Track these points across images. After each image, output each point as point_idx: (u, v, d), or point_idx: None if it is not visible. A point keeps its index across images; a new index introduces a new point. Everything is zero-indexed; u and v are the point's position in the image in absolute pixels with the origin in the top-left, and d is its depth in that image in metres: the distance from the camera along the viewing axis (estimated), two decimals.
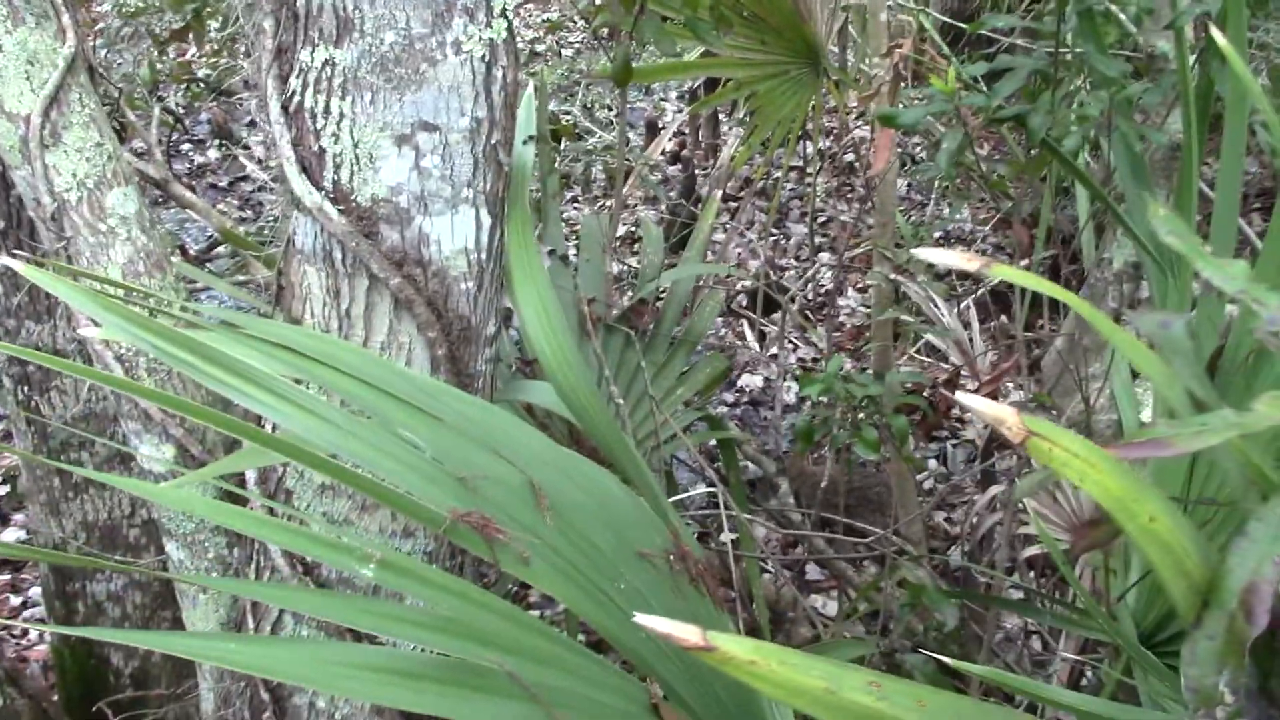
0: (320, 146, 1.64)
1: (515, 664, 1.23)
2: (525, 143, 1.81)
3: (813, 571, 3.89)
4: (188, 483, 1.92)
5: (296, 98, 1.64)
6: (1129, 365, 2.34)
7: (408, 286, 1.69)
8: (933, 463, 4.39)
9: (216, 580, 1.86)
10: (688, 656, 1.51)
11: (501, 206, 1.77)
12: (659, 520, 1.59)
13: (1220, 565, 0.75)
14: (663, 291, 3.22)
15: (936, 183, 5.15)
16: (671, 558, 1.57)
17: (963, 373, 2.64)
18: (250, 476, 1.79)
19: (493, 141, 1.70)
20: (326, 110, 1.62)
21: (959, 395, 0.71)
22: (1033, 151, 2.03)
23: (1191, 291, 1.89)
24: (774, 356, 4.71)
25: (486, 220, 1.74)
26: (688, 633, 0.82)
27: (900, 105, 2.72)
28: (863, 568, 3.33)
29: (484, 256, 1.76)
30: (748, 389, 5.09)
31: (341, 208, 1.66)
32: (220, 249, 5.05)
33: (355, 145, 1.63)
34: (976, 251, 4.58)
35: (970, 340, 3.16)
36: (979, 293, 4.52)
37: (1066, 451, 0.70)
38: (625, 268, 4.96)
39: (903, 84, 2.58)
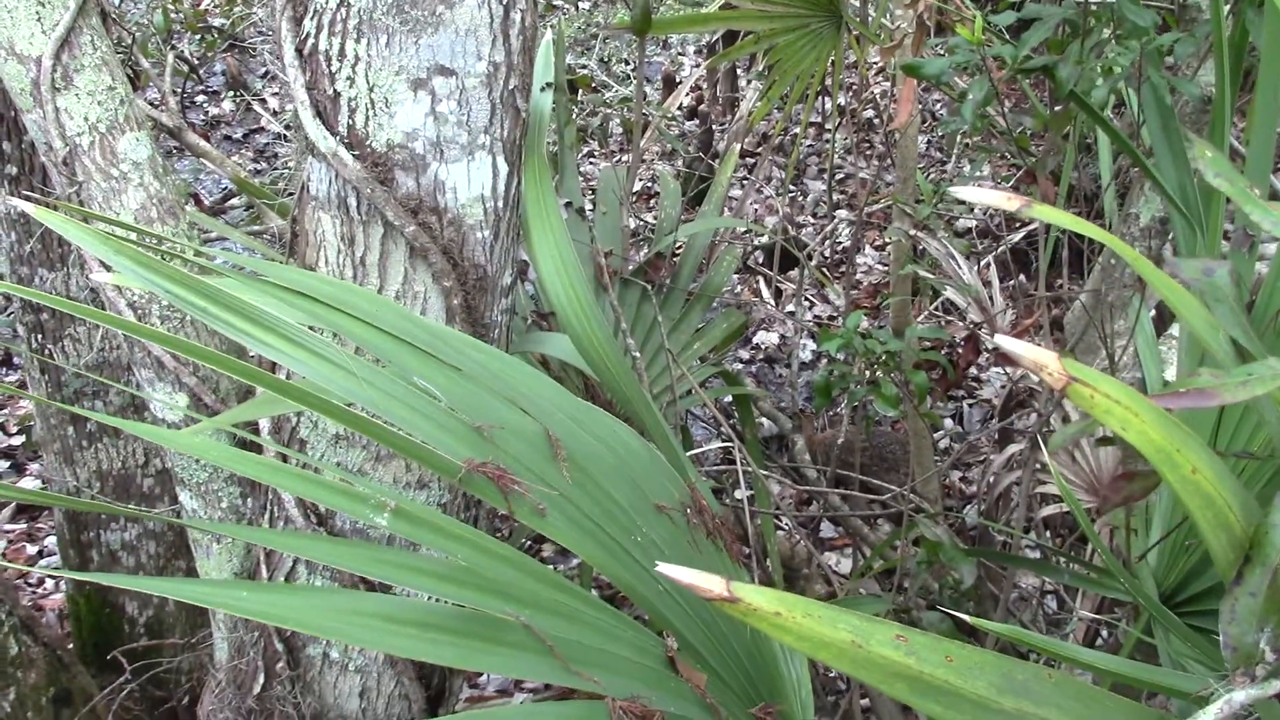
0: (335, 90, 1.61)
1: (531, 616, 1.21)
2: (543, 90, 1.77)
3: (827, 529, 3.87)
4: (201, 430, 1.91)
5: (311, 40, 1.61)
6: (1152, 322, 2.30)
7: (423, 234, 1.67)
8: (949, 422, 4.36)
9: (230, 527, 1.85)
10: (704, 610, 1.50)
11: (519, 154, 1.74)
12: (676, 474, 1.57)
13: (1264, 520, 0.72)
14: (679, 246, 3.19)
15: (958, 139, 5.09)
16: (689, 512, 1.55)
17: (983, 330, 2.60)
18: (264, 426, 1.77)
19: (510, 87, 1.67)
20: (341, 53, 1.59)
21: (998, 338, 0.68)
22: (1057, 106, 1.99)
23: (1220, 247, 1.86)
24: (790, 313, 4.68)
25: (503, 168, 1.71)
26: (711, 583, 0.80)
27: (924, 57, 2.67)
28: (877, 526, 3.32)
29: (500, 205, 1.73)
30: (763, 346, 5.06)
31: (356, 153, 1.63)
32: (235, 201, 5.02)
33: (370, 89, 1.60)
34: (1001, 213, 4.52)
35: (990, 298, 3.13)
36: (999, 250, 4.47)
37: (1108, 399, 0.67)
38: (641, 223, 4.93)
39: (927, 36, 2.52)
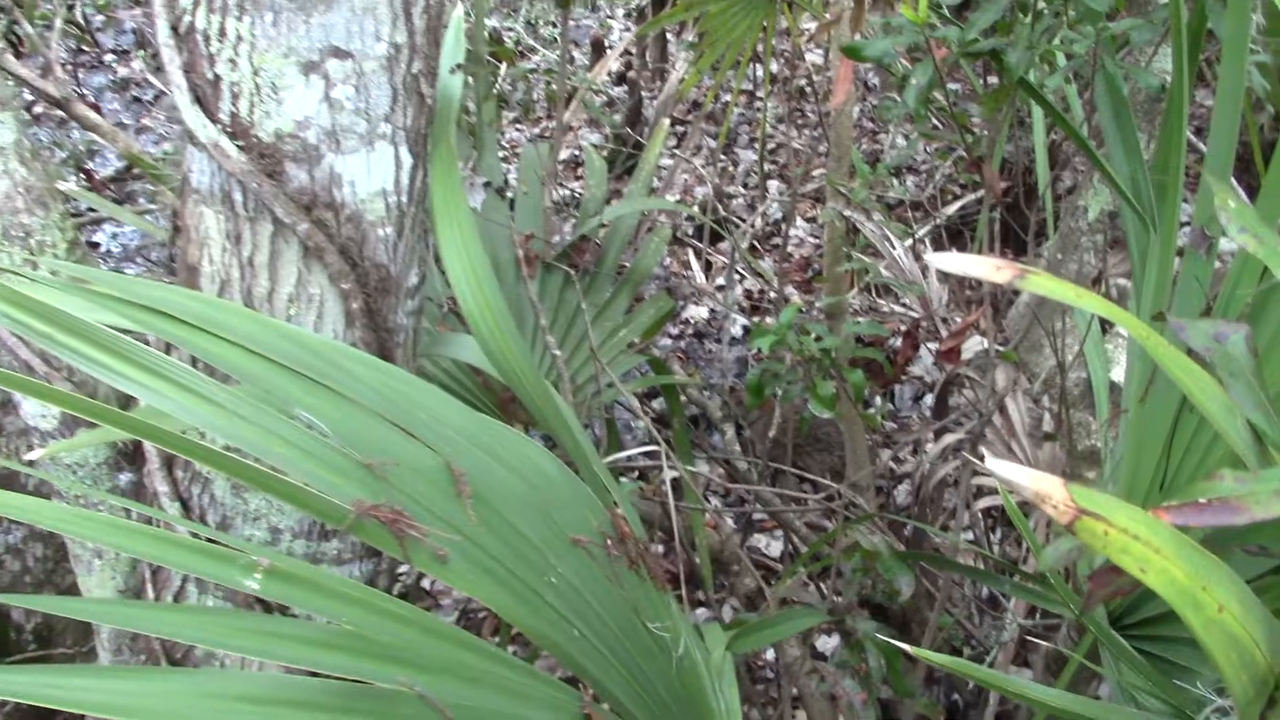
0: (215, 74, 1.44)
1: (429, 683, 1.07)
2: (452, 72, 1.61)
3: (759, 508, 3.77)
4: (74, 447, 1.74)
5: (187, 17, 1.43)
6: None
7: (317, 232, 1.51)
8: (878, 399, 4.27)
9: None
10: (623, 651, 1.37)
11: (424, 144, 1.58)
12: (595, 500, 1.43)
13: None
14: (606, 226, 3.04)
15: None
16: (609, 542, 1.41)
17: (922, 325, 2.50)
18: (153, 457, 1.61)
19: (414, 70, 1.51)
20: (221, 32, 1.41)
21: (992, 464, 0.56)
22: (991, 81, 1.88)
23: (1175, 245, 1.75)
24: (720, 289, 4.55)
25: (407, 159, 1.55)
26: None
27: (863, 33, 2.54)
28: (809, 513, 3.22)
29: (404, 199, 1.57)
30: (693, 321, 4.93)
31: (241, 143, 1.46)
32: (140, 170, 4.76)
33: (255, 73, 1.43)
34: (934, 186, 4.42)
35: (925, 277, 3.02)
36: (933, 226, 4.38)
37: (1125, 535, 0.55)
38: (570, 192, 4.76)
39: (866, 11, 2.39)
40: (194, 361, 1.21)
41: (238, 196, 1.49)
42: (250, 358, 1.13)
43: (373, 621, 1.07)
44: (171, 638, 1.00)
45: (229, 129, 1.46)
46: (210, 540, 1.12)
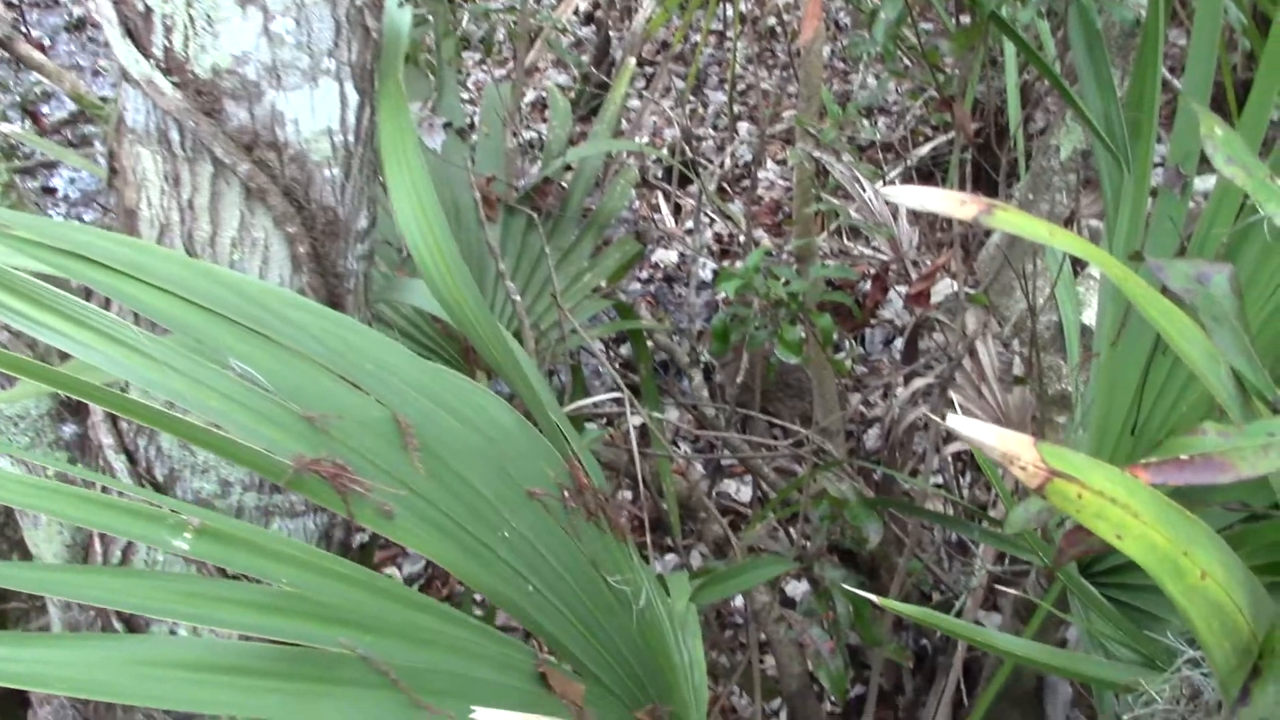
0: (146, 5, 1.36)
1: (373, 644, 1.02)
2: (400, 5, 1.54)
3: (727, 454, 3.73)
4: (14, 399, 1.68)
5: None
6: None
7: (259, 173, 1.44)
8: (848, 343, 4.23)
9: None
10: (581, 607, 1.33)
11: (371, 80, 1.51)
12: (553, 450, 1.38)
13: None
14: (571, 169, 2.97)
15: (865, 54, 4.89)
16: (567, 494, 1.37)
17: (892, 267, 2.45)
18: (98, 411, 1.55)
19: (357, 3, 1.43)
20: None
21: (954, 421, 0.51)
22: (963, 20, 1.82)
23: (1149, 184, 1.71)
24: (689, 232, 4.49)
25: (353, 96, 1.48)
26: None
27: None
28: (781, 463, 3.19)
29: (351, 139, 1.50)
30: (662, 265, 4.87)
31: (176, 80, 1.39)
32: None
33: (188, 4, 1.35)
34: (905, 128, 4.36)
35: (896, 217, 2.97)
36: (904, 168, 4.32)
37: (1101, 497, 0.50)
38: (536, 134, 4.67)
39: None
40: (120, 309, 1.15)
41: (175, 136, 1.42)
42: (181, 305, 1.07)
43: (314, 581, 1.02)
44: (97, 603, 0.95)
45: (162, 64, 1.38)
46: (149, 500, 1.07)
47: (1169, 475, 0.52)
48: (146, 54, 1.38)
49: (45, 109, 5.11)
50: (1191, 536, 0.52)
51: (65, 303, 1.01)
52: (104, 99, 2.88)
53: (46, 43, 5.77)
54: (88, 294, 1.14)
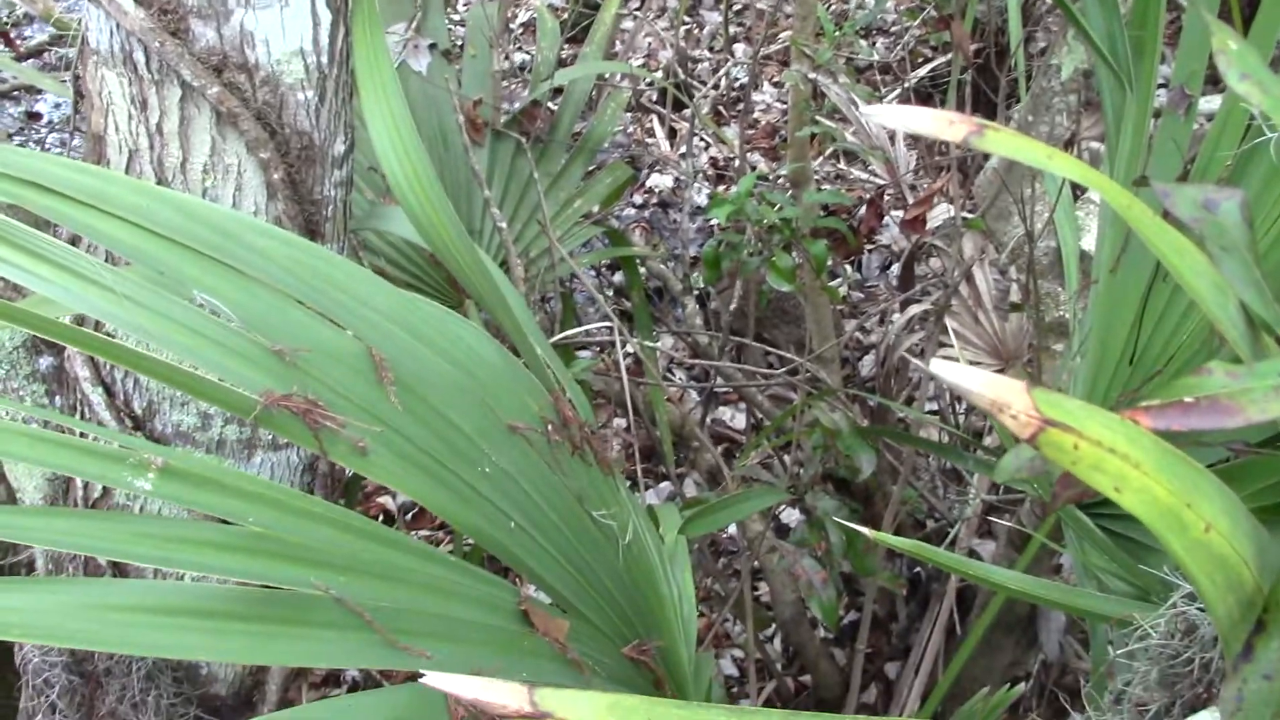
0: None
1: (347, 584, 0.99)
2: None
3: (721, 382, 3.70)
4: None
5: None
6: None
7: (230, 97, 1.39)
8: (846, 268, 4.18)
9: None
10: (565, 542, 1.30)
11: None
12: (536, 383, 1.35)
13: None
14: (561, 92, 2.90)
15: None
16: (551, 427, 1.33)
17: (888, 192, 2.39)
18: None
19: None
20: None
21: (936, 366, 0.47)
22: None
23: (1153, 106, 1.65)
24: (684, 156, 4.42)
25: (325, 15, 1.42)
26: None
27: None
28: (776, 390, 3.15)
29: (324, 60, 1.45)
30: (657, 190, 4.80)
31: None
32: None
33: None
34: (903, 48, 4.27)
35: (893, 141, 2.91)
36: (902, 90, 4.24)
37: (1099, 447, 0.46)
38: (527, 55, 4.57)
39: None
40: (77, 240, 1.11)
41: (140, 57, 1.37)
42: (142, 234, 1.03)
43: (284, 521, 0.99)
44: (63, 549, 0.92)
45: None
46: (124, 440, 1.03)
47: (1172, 420, 0.48)
48: None
49: (28, 32, 5.00)
50: (1196, 486, 0.49)
51: (18, 233, 0.96)
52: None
53: None
54: (47, 225, 1.10)
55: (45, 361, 1.77)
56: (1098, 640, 1.50)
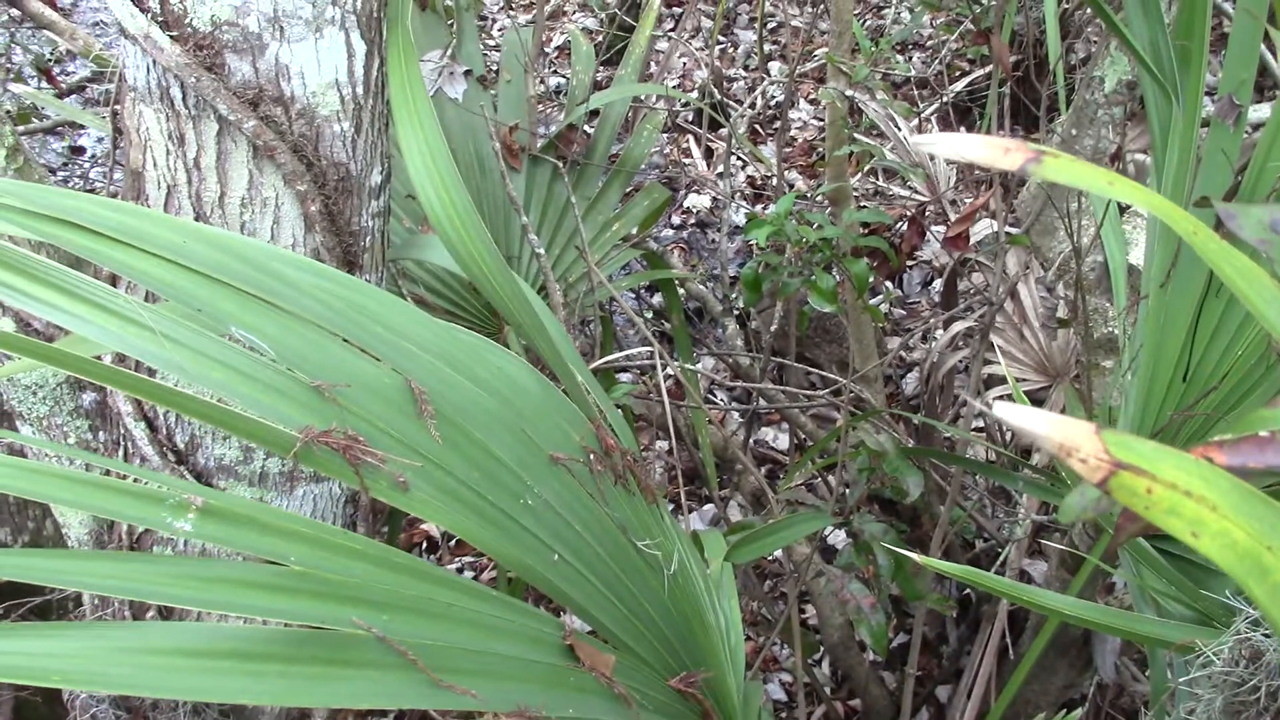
0: None
1: (389, 623, 0.98)
2: None
3: (763, 403, 3.67)
4: (30, 368, 1.65)
5: None
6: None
7: (266, 130, 1.38)
8: (888, 285, 4.15)
9: None
10: (608, 573, 1.28)
11: (378, 29, 1.45)
12: (577, 411, 1.33)
13: None
14: (597, 115, 2.89)
15: None
16: (593, 456, 1.31)
17: (929, 208, 2.37)
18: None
19: None
20: None
21: (1002, 409, 0.45)
22: None
23: (1199, 116, 1.62)
24: (721, 176, 4.40)
25: (360, 46, 1.42)
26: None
27: None
28: (819, 410, 3.12)
29: (360, 91, 1.44)
30: (695, 210, 4.79)
31: (174, 34, 1.33)
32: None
33: None
34: (940, 62, 4.24)
35: (932, 157, 2.88)
36: (940, 104, 4.21)
37: (1174, 490, 0.44)
38: (563, 79, 4.58)
39: None
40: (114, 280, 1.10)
41: (176, 93, 1.37)
42: (177, 271, 1.02)
43: (325, 558, 0.97)
44: (108, 594, 0.91)
45: (160, 18, 1.33)
46: (168, 471, 1.01)
47: (1248, 456, 0.46)
48: (143, 7, 1.33)
49: (71, 68, 5.07)
50: (1275, 528, 0.46)
51: (55, 273, 0.96)
52: None
53: (67, 1, 5.71)
54: (77, 264, 1.09)
55: (88, 397, 1.77)
56: (1157, 666, 1.46)
